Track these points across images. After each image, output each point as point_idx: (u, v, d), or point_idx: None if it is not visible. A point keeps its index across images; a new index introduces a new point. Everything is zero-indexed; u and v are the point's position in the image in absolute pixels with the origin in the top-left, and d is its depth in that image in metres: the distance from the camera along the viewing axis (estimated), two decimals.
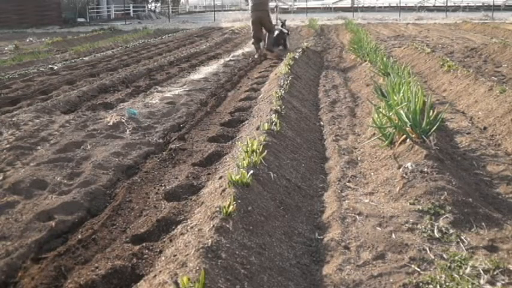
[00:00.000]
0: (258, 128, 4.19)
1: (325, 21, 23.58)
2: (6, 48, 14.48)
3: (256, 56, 10.74)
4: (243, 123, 5.12)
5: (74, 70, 9.47)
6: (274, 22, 11.39)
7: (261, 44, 10.91)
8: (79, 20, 30.25)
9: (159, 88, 7.25)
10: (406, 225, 2.57)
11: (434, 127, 3.62)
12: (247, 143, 3.34)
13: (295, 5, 39.71)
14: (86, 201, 3.18)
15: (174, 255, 2.19)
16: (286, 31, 11.66)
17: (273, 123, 4.12)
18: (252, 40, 11.01)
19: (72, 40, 17.03)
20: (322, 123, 5.17)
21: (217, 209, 2.41)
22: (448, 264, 2.19)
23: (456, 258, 2.24)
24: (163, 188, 3.43)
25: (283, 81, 6.22)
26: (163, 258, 2.30)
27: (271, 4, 13.08)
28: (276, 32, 11.12)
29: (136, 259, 2.43)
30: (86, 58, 11.52)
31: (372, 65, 7.61)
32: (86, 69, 9.50)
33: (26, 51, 13.23)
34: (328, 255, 2.38)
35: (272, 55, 10.67)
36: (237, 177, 2.75)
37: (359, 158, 3.88)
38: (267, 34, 10.83)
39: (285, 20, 12.56)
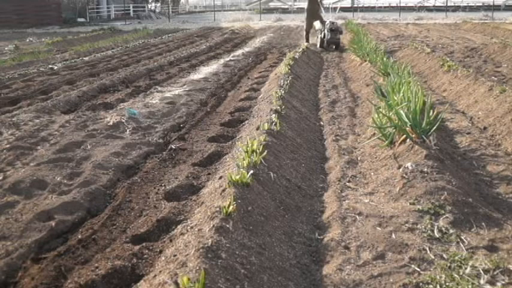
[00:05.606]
0: (258, 128, 4.19)
1: None
2: (6, 48, 14.47)
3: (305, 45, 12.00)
4: (243, 123, 5.12)
5: (74, 70, 9.46)
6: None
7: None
8: (79, 20, 30.23)
9: (159, 88, 7.25)
10: (406, 225, 2.57)
11: (434, 127, 3.61)
12: (247, 143, 3.34)
13: (295, 5, 39.72)
14: (86, 201, 3.18)
15: (174, 255, 2.19)
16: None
17: (273, 123, 4.11)
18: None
19: (72, 40, 17.02)
20: (322, 123, 5.17)
21: (217, 209, 2.41)
22: (448, 264, 2.19)
23: (456, 258, 2.24)
24: (163, 188, 3.43)
25: (283, 81, 6.22)
26: (163, 258, 2.30)
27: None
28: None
29: (136, 259, 2.43)
30: (86, 58, 11.52)
31: (372, 65, 7.61)
32: (86, 69, 9.49)
33: (26, 51, 13.22)
34: (328, 255, 2.38)
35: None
36: (237, 177, 2.75)
37: (359, 158, 3.88)
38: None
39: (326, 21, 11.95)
